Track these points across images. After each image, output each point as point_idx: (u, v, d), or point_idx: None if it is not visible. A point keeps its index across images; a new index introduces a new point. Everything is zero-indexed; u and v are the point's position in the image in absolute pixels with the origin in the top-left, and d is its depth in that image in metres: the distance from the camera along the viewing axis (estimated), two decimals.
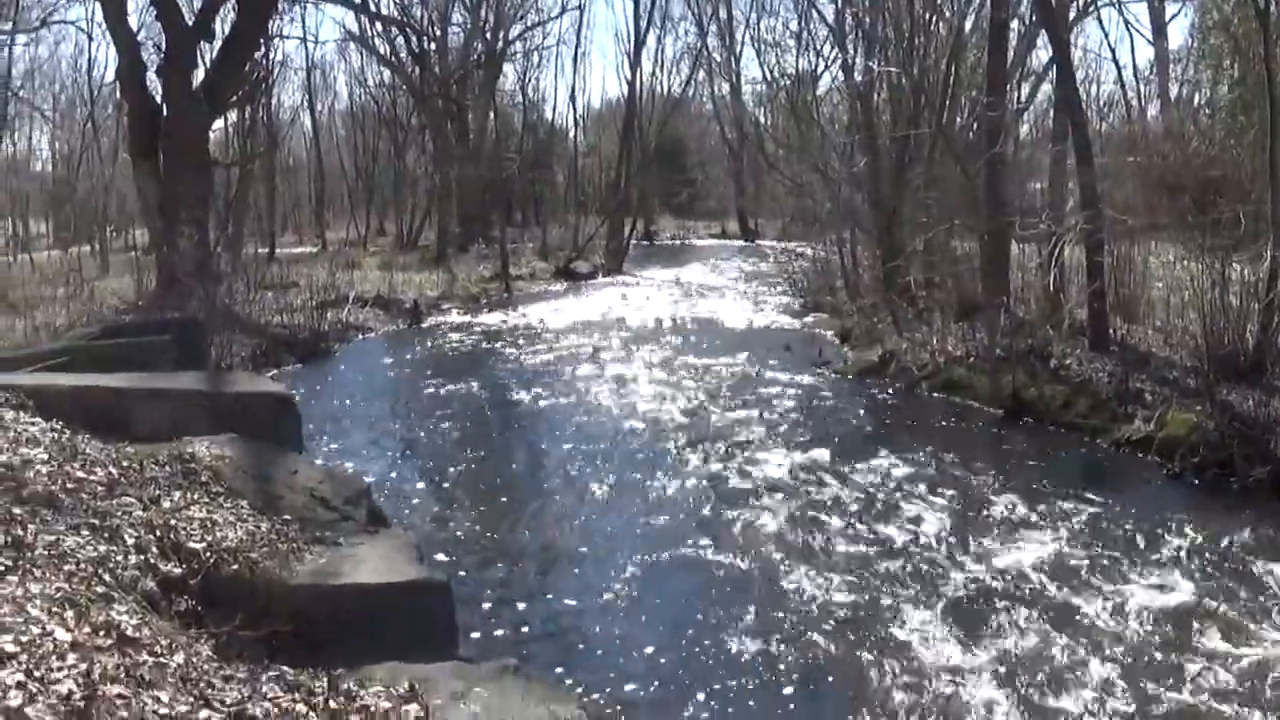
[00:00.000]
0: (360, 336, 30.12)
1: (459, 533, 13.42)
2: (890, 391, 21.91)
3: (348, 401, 21.40)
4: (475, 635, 10.03)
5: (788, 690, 9.43)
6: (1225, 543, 12.71)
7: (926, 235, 27.20)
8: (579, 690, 8.52)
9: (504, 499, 14.96)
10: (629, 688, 9.37)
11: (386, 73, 59.16)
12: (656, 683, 9.50)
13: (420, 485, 15.62)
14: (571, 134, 78.12)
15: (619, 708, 8.92)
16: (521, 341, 29.43)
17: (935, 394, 21.22)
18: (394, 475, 16.01)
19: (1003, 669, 9.66)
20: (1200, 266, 18.52)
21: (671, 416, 19.63)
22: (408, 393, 22.38)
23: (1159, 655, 9.92)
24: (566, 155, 75.81)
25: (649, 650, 10.17)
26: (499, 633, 10.45)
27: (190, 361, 16.73)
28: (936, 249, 27.09)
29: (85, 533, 7.88)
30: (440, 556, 12.11)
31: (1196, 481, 15.24)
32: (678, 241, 75.47)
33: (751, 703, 9.17)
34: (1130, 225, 22.08)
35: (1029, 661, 9.80)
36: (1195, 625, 10.52)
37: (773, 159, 56.19)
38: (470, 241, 51.26)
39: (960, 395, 20.71)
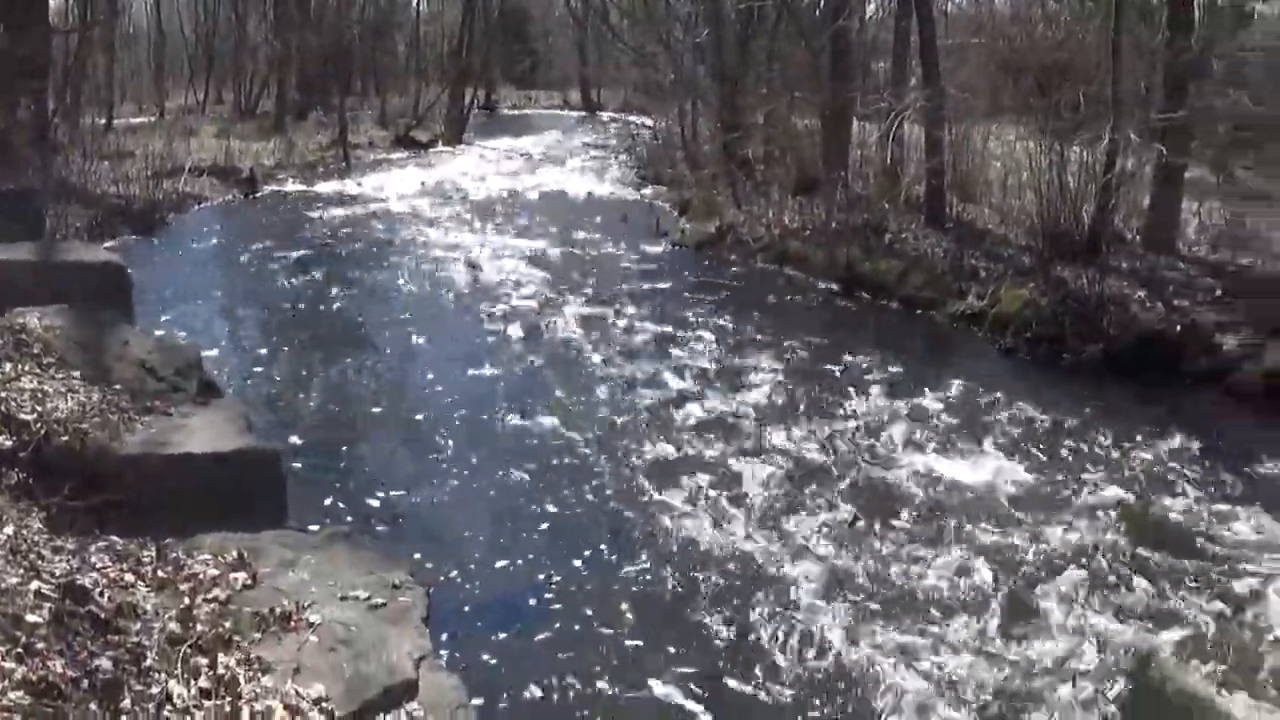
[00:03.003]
0: (196, 206, 29.26)
1: (291, 403, 13.28)
2: (726, 263, 21.97)
3: (181, 272, 20.87)
4: (306, 504, 9.85)
5: (604, 550, 9.57)
6: (1056, 416, 13.02)
7: (767, 108, 27.23)
8: (407, 555, 8.44)
9: (336, 370, 14.76)
10: (457, 552, 9.39)
11: None
12: (484, 548, 9.55)
13: (253, 355, 15.36)
14: (414, 1, 76.79)
15: (447, 572, 8.94)
16: (357, 210, 28.88)
17: (771, 266, 21.36)
18: (226, 345, 15.77)
19: (825, 538, 9.81)
20: (1039, 147, 18.75)
21: (503, 287, 19.49)
22: (241, 263, 21.89)
23: (983, 524, 10.13)
24: (408, 23, 74.25)
25: (477, 516, 10.21)
26: (329, 502, 10.36)
27: (25, 232, 16.16)
28: (777, 122, 27.11)
29: None
30: (272, 427, 11.88)
31: (1029, 357, 15.63)
32: (519, 111, 74.71)
33: (572, 562, 9.28)
34: (971, 104, 22.24)
35: (852, 531, 9.97)
36: (1021, 495, 10.82)
37: (616, 29, 55.59)
38: (309, 109, 50.15)
39: (796, 268, 20.87)
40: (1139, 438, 12.38)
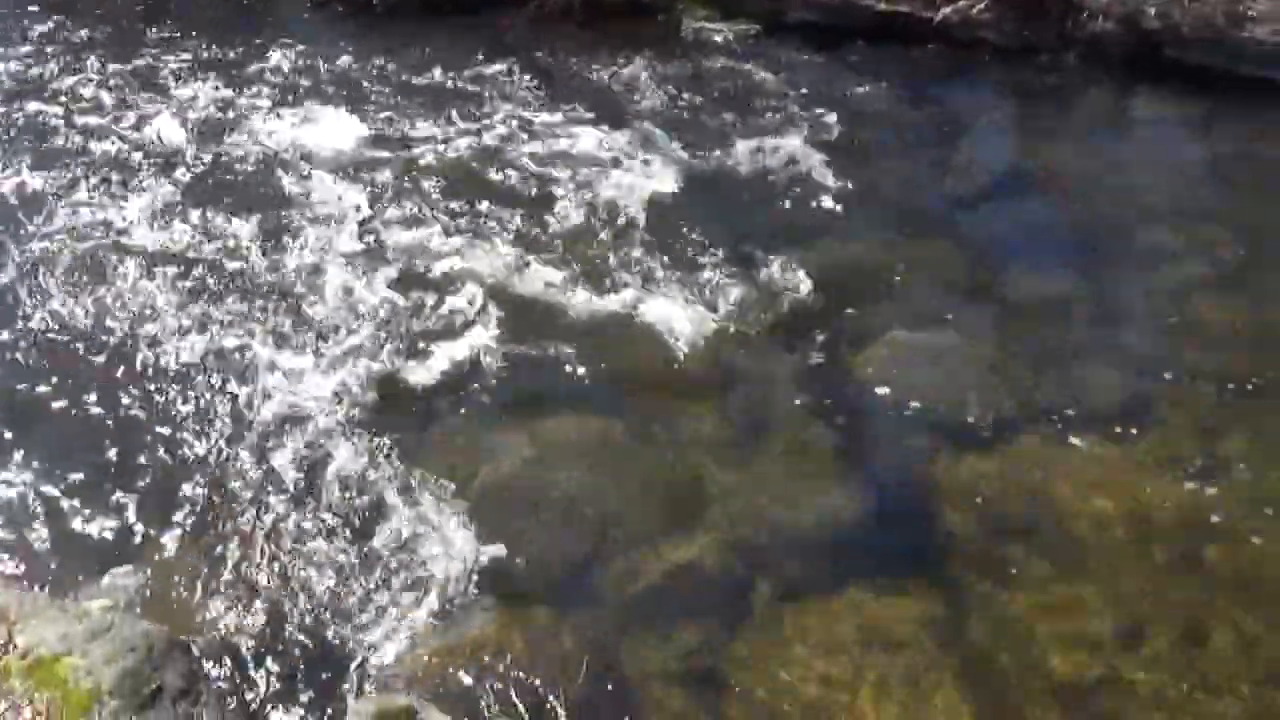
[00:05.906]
0: None
1: None
2: None
3: None
4: None
5: None
6: (374, 61, 13.33)
7: None
8: None
9: None
10: None
11: None
12: None
13: None
14: None
15: None
16: None
17: None
18: None
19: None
20: None
21: None
22: None
23: (322, 172, 10.66)
24: None
25: None
26: None
27: None
28: None
29: None
30: None
31: (342, 8, 15.27)
32: None
33: None
34: None
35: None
36: (354, 141, 11.30)
37: None
38: None
39: None
40: (459, 67, 12.87)
